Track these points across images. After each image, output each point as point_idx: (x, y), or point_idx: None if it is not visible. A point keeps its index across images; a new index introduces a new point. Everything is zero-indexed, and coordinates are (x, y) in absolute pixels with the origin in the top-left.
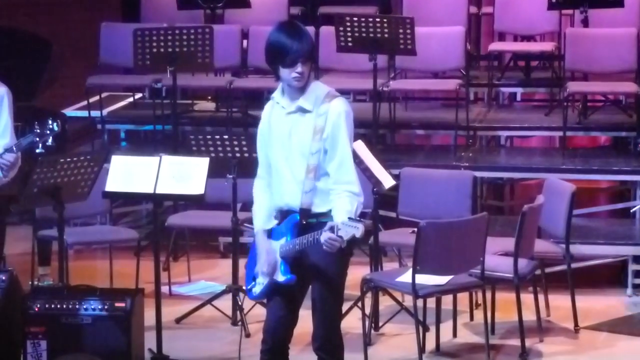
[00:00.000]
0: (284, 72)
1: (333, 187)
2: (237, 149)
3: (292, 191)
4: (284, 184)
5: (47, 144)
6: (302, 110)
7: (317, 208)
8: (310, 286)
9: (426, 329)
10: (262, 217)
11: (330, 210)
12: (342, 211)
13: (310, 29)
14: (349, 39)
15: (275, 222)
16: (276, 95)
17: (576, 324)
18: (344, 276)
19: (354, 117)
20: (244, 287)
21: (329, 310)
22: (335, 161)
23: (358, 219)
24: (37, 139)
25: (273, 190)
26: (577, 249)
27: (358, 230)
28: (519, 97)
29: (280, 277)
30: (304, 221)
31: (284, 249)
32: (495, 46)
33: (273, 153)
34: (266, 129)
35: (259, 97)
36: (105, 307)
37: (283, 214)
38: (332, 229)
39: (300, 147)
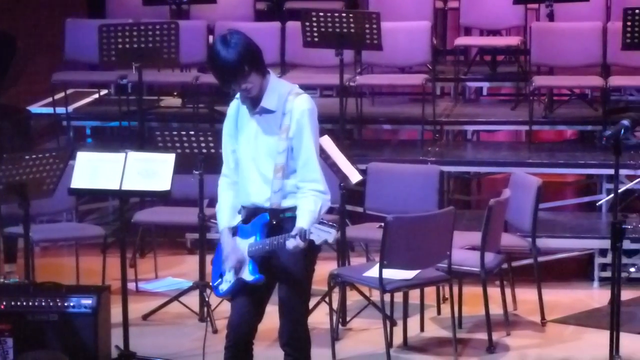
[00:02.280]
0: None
1: (300, 185)
2: (203, 144)
3: (260, 191)
4: (250, 184)
5: None
6: (266, 111)
7: (286, 204)
8: (277, 283)
9: (394, 323)
10: (226, 215)
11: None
12: (306, 212)
13: (276, 25)
14: (315, 34)
15: (239, 218)
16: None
17: (543, 318)
18: (311, 273)
19: (320, 113)
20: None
21: (296, 307)
22: (300, 160)
23: (331, 224)
24: None
25: (239, 189)
26: (543, 242)
27: (331, 235)
28: (485, 92)
29: (249, 277)
30: (274, 221)
31: (253, 248)
32: (462, 41)
33: (241, 153)
34: (233, 127)
35: (226, 93)
36: (72, 304)
37: (250, 212)
38: (299, 235)
39: (267, 147)
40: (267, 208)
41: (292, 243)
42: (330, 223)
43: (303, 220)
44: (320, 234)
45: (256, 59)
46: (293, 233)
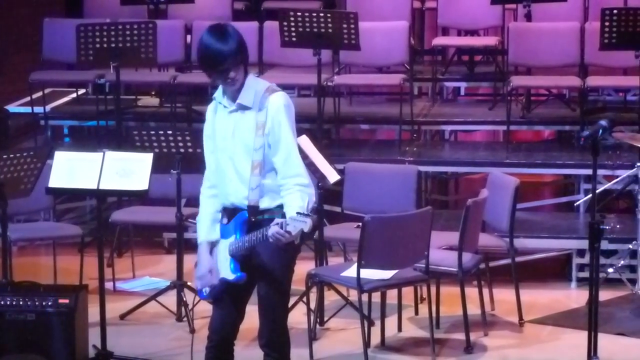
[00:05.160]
0: (215, 76)
1: (282, 182)
2: (181, 144)
3: (237, 190)
4: (228, 183)
5: None
6: (243, 108)
7: (265, 204)
8: (256, 283)
9: (371, 323)
10: (206, 227)
11: (278, 206)
12: (294, 207)
13: (254, 24)
14: (293, 34)
15: (219, 233)
16: (217, 95)
17: (521, 318)
18: (290, 273)
19: (298, 112)
20: (190, 284)
21: (275, 307)
22: (280, 156)
23: (307, 213)
24: None
25: (220, 190)
26: (521, 242)
27: (306, 224)
28: (462, 92)
29: (230, 276)
30: (252, 218)
31: (233, 247)
32: (439, 41)
33: (219, 152)
34: (211, 130)
35: (203, 93)
36: (49, 303)
37: (229, 213)
38: (279, 224)
39: (243, 144)
40: (244, 207)
41: (273, 229)
42: (307, 213)
43: (291, 215)
44: (296, 225)
45: (246, 50)
46: (273, 223)
